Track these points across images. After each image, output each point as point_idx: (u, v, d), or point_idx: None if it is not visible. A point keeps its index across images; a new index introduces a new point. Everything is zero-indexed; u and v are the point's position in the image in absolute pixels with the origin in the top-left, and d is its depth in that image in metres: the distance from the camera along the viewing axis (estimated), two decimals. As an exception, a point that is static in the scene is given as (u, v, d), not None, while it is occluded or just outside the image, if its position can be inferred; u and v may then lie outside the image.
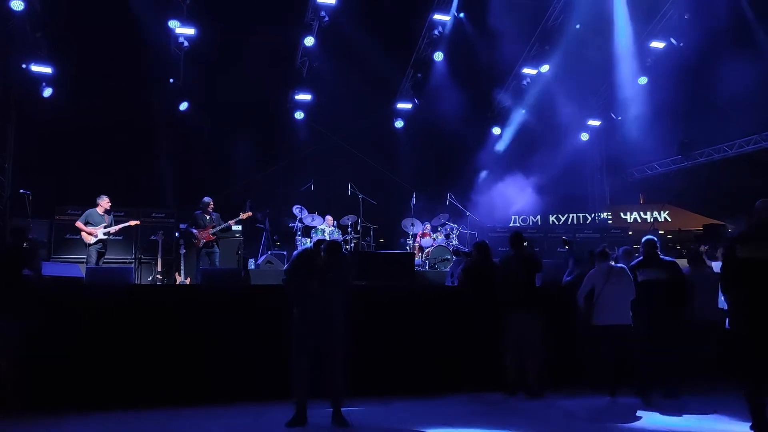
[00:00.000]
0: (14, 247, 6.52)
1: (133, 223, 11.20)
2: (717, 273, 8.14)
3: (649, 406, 6.61)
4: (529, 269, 7.28)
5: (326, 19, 14.37)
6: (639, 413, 6.37)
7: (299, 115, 16.34)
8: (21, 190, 10.67)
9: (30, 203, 10.52)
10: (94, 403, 6.30)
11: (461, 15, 15.42)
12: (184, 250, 11.53)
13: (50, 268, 8.88)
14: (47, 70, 13.48)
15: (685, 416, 6.25)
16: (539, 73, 16.78)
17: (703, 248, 10.15)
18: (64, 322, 6.57)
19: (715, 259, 8.71)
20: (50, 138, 13.62)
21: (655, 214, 19.56)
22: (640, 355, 6.99)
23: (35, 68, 13.39)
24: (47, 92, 13.61)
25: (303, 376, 5.60)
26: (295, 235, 13.33)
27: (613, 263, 7.40)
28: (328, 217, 13.51)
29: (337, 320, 5.70)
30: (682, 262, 8.13)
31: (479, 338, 7.34)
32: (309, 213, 13.54)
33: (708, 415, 6.26)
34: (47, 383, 6.35)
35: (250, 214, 11.45)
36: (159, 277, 11.55)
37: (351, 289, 5.90)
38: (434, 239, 13.56)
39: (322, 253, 5.71)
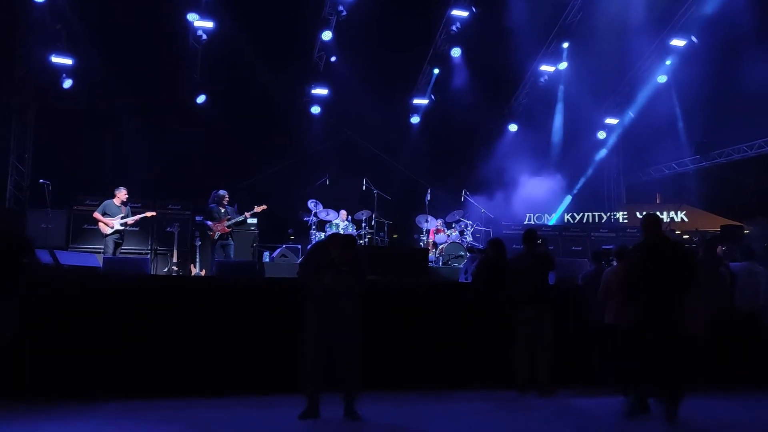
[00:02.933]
0: (9, 233, 6.19)
1: (149, 214, 11.29)
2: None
3: (662, 406, 6.57)
4: (541, 267, 7.25)
5: (344, 13, 14.40)
6: (650, 413, 6.33)
7: (315, 109, 16.39)
8: (40, 180, 10.79)
9: (49, 193, 10.65)
10: (108, 391, 6.38)
11: (479, 10, 15.32)
12: (200, 242, 11.61)
13: (68, 258, 9.01)
14: (68, 61, 13.63)
15: (698, 417, 6.21)
16: (557, 70, 16.69)
17: (720, 249, 10.03)
18: (80, 310, 6.66)
19: (733, 261, 8.62)
20: (69, 129, 13.77)
21: (672, 214, 19.37)
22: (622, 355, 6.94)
23: (55, 59, 13.55)
24: (67, 83, 13.76)
25: (316, 369, 5.63)
26: (310, 229, 13.38)
27: None
28: (343, 212, 13.55)
29: (350, 314, 5.71)
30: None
31: (492, 335, 7.32)
32: (324, 207, 13.58)
33: (724, 416, 6.22)
34: (64, 371, 6.43)
35: (264, 207, 11.50)
36: (174, 268, 11.64)
37: (364, 284, 5.91)
38: (448, 236, 13.54)
39: (336, 247, 5.72)
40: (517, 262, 7.46)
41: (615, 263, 7.31)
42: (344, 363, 5.63)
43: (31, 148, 14.04)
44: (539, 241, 7.98)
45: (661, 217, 6.28)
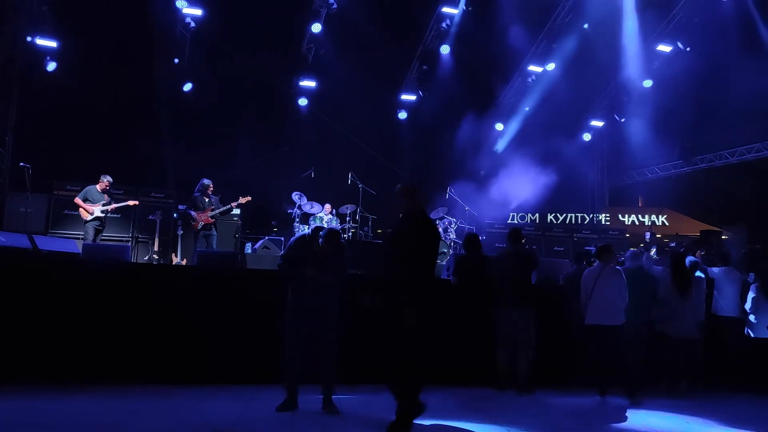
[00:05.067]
0: None
1: (131, 203, 11.19)
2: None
3: (637, 407, 6.66)
4: (525, 266, 7.28)
5: (334, 6, 14.35)
6: (626, 413, 6.41)
7: (303, 101, 16.32)
8: (21, 164, 10.65)
9: (29, 177, 10.49)
10: (86, 378, 6.33)
11: (469, 8, 15.34)
12: (182, 231, 11.52)
13: (47, 243, 8.89)
14: (52, 44, 13.43)
15: (671, 417, 6.30)
16: (545, 71, 16.77)
17: (699, 254, 10.18)
18: (58, 296, 6.59)
19: (713, 265, 8.75)
20: (52, 112, 13.58)
21: (653, 217, 19.59)
22: (629, 355, 7.04)
23: (40, 42, 13.34)
24: (51, 66, 13.55)
25: (294, 362, 5.62)
26: (294, 221, 13.33)
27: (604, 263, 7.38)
28: (327, 205, 13.51)
29: (331, 307, 5.70)
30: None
31: (471, 333, 7.34)
32: (308, 200, 13.53)
33: (694, 417, 6.31)
34: (40, 357, 6.37)
35: (249, 198, 11.42)
36: (155, 257, 11.55)
37: (346, 278, 5.89)
38: (432, 232, 13.54)
39: (320, 240, 5.71)
40: (501, 260, 7.47)
41: (596, 263, 7.38)
42: (323, 356, 5.63)
43: (13, 131, 13.81)
44: (524, 240, 7.99)
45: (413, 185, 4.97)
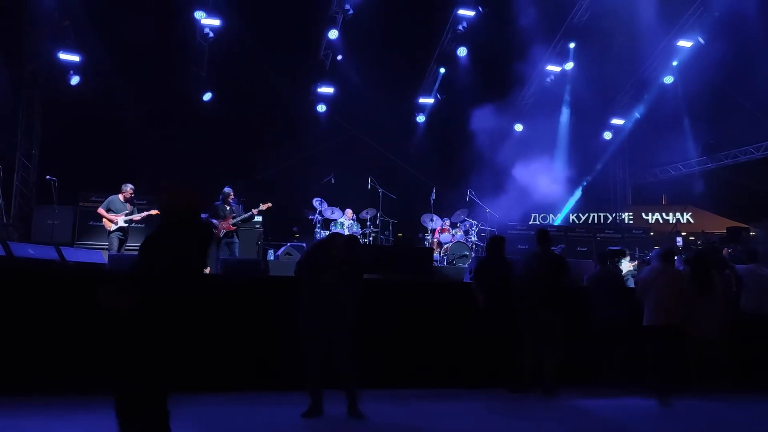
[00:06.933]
0: None
1: (154, 212, 11.28)
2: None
3: (668, 408, 6.55)
4: (553, 268, 7.18)
5: (350, 12, 14.42)
6: (654, 415, 6.32)
7: (321, 107, 16.40)
8: (47, 177, 10.84)
9: (55, 189, 10.69)
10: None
11: (486, 9, 15.31)
12: (204, 240, 11.61)
13: (73, 254, 9.04)
14: (75, 58, 13.69)
15: (700, 420, 6.20)
16: (563, 70, 16.65)
17: (726, 251, 10.02)
18: (85, 306, 6.67)
19: (740, 263, 8.60)
20: (76, 125, 13.82)
21: (678, 215, 19.32)
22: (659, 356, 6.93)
23: (63, 56, 13.61)
24: (74, 80, 13.82)
25: (315, 368, 5.60)
26: (315, 227, 13.39)
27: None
28: (348, 211, 13.54)
29: (348, 313, 5.65)
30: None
31: (495, 335, 7.27)
32: (329, 206, 13.58)
33: (724, 419, 6.21)
34: (65, 366, 6.46)
35: (269, 205, 11.47)
36: (179, 265, 11.64)
37: (362, 283, 5.87)
38: (453, 235, 13.52)
39: (337, 247, 5.70)
40: (529, 262, 7.37)
41: (654, 263, 7.23)
42: (343, 361, 5.60)
43: (38, 145, 14.10)
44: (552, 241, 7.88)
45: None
